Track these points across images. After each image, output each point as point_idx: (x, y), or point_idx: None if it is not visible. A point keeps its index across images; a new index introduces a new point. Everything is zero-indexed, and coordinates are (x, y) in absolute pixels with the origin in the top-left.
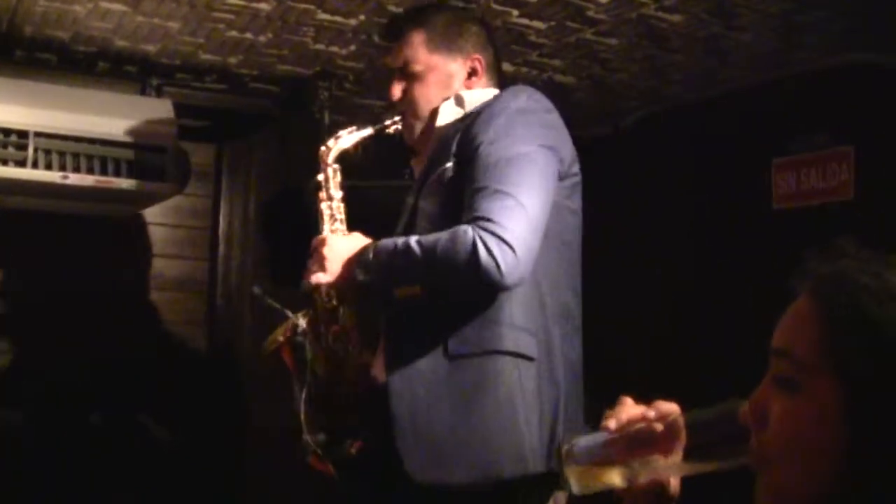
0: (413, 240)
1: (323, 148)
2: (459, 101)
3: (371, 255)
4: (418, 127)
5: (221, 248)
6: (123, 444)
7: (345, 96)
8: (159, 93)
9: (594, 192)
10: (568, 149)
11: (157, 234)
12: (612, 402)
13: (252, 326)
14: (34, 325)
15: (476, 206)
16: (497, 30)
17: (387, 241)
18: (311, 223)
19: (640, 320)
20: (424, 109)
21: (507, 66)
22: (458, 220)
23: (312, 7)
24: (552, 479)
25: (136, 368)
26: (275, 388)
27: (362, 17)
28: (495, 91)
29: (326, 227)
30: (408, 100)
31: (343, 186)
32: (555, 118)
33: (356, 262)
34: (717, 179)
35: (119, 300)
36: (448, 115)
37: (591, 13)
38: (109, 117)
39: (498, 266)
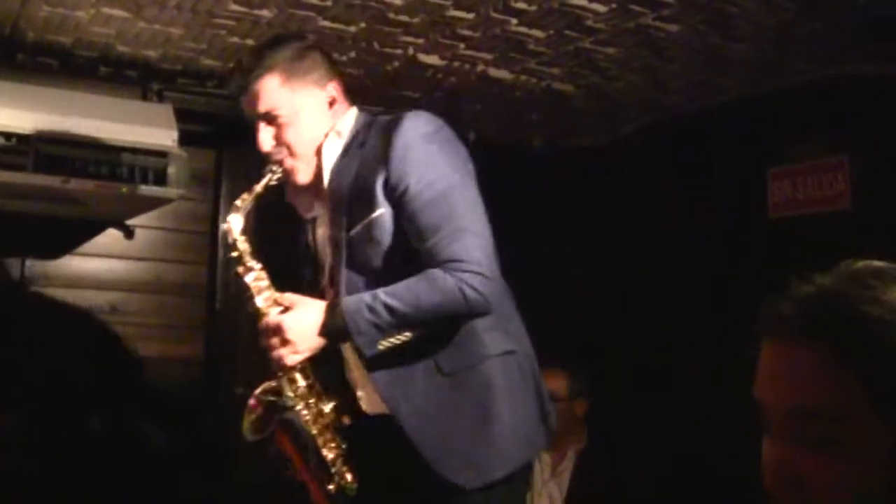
0: (384, 296)
1: (225, 226)
2: (339, 134)
3: (346, 320)
4: (302, 169)
5: (221, 253)
6: (121, 448)
7: None
8: (160, 98)
9: (591, 200)
10: (467, 155)
11: (157, 238)
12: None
13: (251, 332)
14: (32, 329)
15: (438, 252)
16: (496, 38)
17: (353, 303)
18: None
19: (636, 329)
20: (301, 150)
21: (506, 74)
22: (403, 258)
23: (313, 14)
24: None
25: (134, 372)
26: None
27: (362, 25)
28: (355, 110)
29: (259, 300)
30: (283, 145)
31: (255, 255)
32: (451, 132)
33: (325, 331)
34: (713, 188)
35: (118, 304)
36: (333, 150)
37: (589, 22)
38: (111, 122)
39: (485, 299)
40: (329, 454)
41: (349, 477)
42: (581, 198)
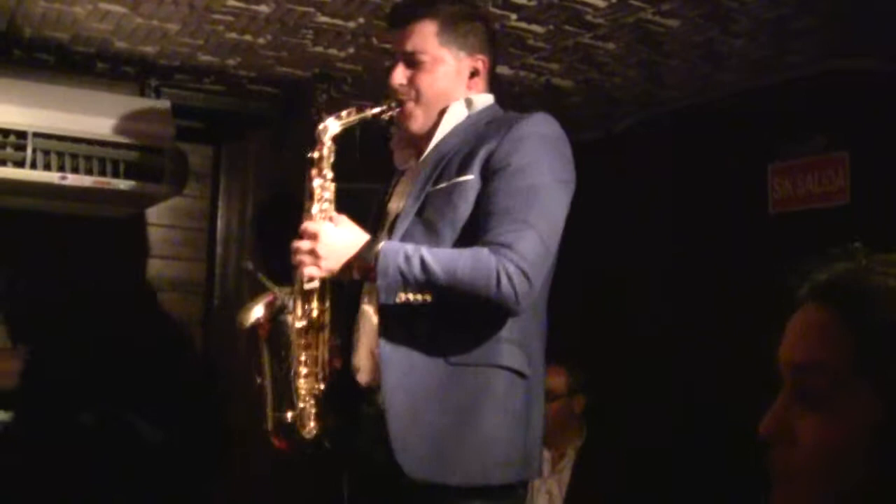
0: (426, 252)
1: (321, 125)
2: (469, 104)
3: (374, 260)
4: (419, 117)
5: (219, 249)
6: (118, 446)
7: (343, 98)
8: (158, 94)
9: (589, 196)
10: (574, 180)
11: (154, 234)
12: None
13: (249, 327)
14: (30, 325)
15: (497, 231)
16: (495, 33)
17: (393, 248)
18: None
19: (635, 325)
20: (429, 100)
21: (505, 69)
22: (464, 232)
23: (311, 9)
24: (527, 485)
25: (132, 369)
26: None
27: (361, 20)
28: (492, 98)
29: (315, 207)
30: (412, 88)
31: (335, 167)
32: (570, 150)
33: (356, 262)
34: (713, 184)
35: (116, 301)
36: (456, 115)
37: (589, 17)
38: (108, 118)
39: (516, 295)
40: (303, 388)
41: (312, 424)
42: (579, 193)
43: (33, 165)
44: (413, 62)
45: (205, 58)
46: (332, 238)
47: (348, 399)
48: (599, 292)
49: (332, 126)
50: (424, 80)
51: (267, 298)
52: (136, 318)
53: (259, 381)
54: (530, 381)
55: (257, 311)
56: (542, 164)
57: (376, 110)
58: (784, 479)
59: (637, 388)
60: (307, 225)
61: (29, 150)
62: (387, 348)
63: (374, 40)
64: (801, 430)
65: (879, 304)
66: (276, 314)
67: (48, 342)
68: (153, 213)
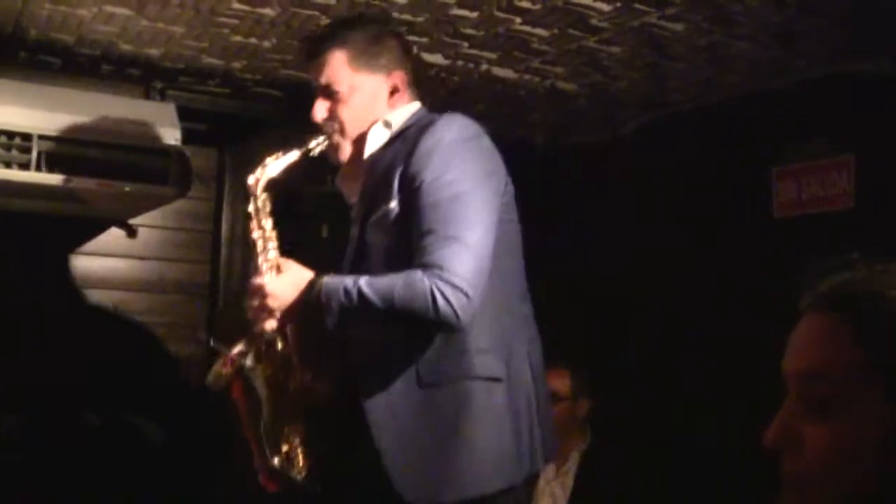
0: (364, 284)
1: (251, 179)
2: (387, 125)
3: (321, 297)
4: (345, 147)
5: (223, 252)
6: (121, 447)
7: None
8: (163, 96)
9: (593, 198)
10: (502, 169)
11: (159, 237)
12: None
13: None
14: (35, 326)
15: (426, 252)
16: (499, 37)
17: (334, 283)
18: (312, 227)
19: (639, 329)
20: (351, 130)
21: (509, 73)
22: (408, 254)
23: (316, 13)
24: (531, 483)
25: (137, 371)
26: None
27: None
28: (417, 105)
29: (260, 259)
30: (335, 120)
31: (273, 214)
32: (486, 142)
33: (303, 302)
34: (717, 188)
35: (120, 302)
36: (377, 139)
37: (593, 21)
38: (113, 121)
39: (455, 313)
40: (283, 431)
41: (301, 463)
42: (584, 196)
43: (38, 168)
44: (330, 94)
45: (210, 60)
46: (276, 288)
47: (347, 428)
48: (603, 296)
49: (262, 176)
50: (344, 111)
51: (227, 358)
52: (140, 320)
53: (244, 434)
54: (510, 382)
55: (220, 371)
56: (455, 171)
57: (304, 149)
58: (793, 486)
59: (641, 393)
60: (251, 282)
61: (34, 153)
62: (363, 383)
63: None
64: (810, 438)
65: (883, 313)
66: (241, 369)
67: (52, 342)
68: (158, 216)
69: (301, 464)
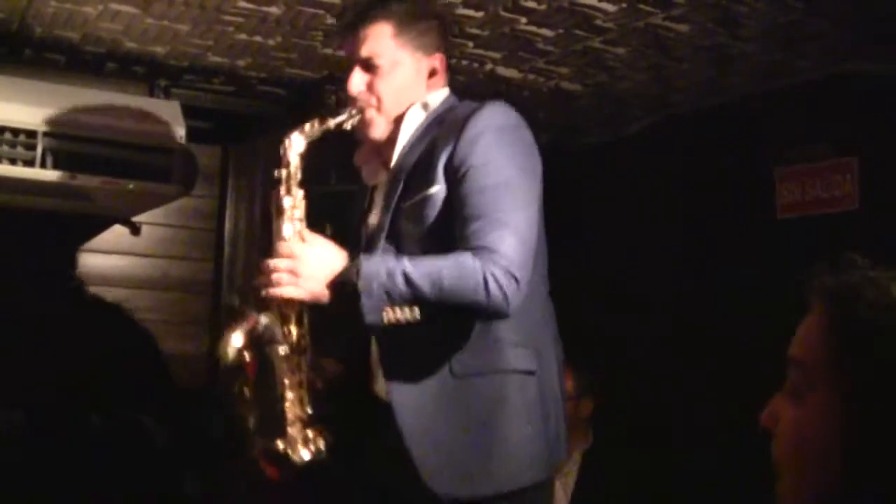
0: (409, 267)
1: (285, 142)
2: (425, 107)
3: (357, 279)
4: (380, 124)
5: (227, 250)
6: (124, 445)
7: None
8: (167, 94)
9: (597, 199)
10: (540, 164)
11: (163, 234)
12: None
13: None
14: (38, 323)
15: (476, 236)
16: (505, 36)
17: (374, 265)
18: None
19: (642, 329)
20: (389, 105)
21: (514, 73)
22: (447, 242)
23: (321, 11)
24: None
25: (139, 368)
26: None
27: None
28: (447, 90)
29: (288, 226)
30: (372, 94)
31: (303, 184)
32: (529, 134)
33: (338, 283)
34: (720, 188)
35: (124, 300)
36: (415, 121)
37: (599, 22)
38: (117, 118)
39: (507, 299)
40: (290, 412)
41: (302, 449)
42: (587, 196)
43: (43, 165)
44: (370, 67)
45: (214, 59)
46: (312, 258)
47: (364, 421)
48: (606, 296)
49: (296, 142)
50: (384, 85)
51: (247, 325)
52: (143, 318)
53: (244, 411)
54: (541, 375)
55: (237, 341)
56: (502, 158)
57: (339, 119)
58: (776, 467)
59: (642, 393)
60: (285, 245)
61: (39, 150)
62: (392, 371)
63: (349, 35)
64: (784, 416)
65: (857, 312)
66: (257, 341)
67: (54, 339)
68: (161, 213)
69: (303, 451)
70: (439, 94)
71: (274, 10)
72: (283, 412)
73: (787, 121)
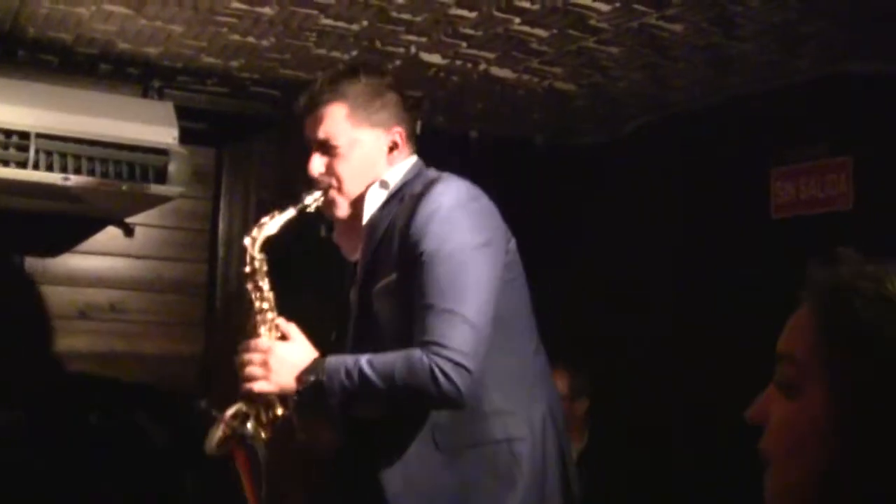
0: (365, 363)
1: (247, 239)
2: (384, 185)
3: (323, 376)
4: (343, 205)
5: (221, 251)
6: (120, 446)
7: None
8: (161, 95)
9: (592, 199)
10: (501, 231)
11: (156, 236)
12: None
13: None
14: (32, 325)
15: (425, 328)
16: (498, 37)
17: (336, 365)
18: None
19: (638, 329)
20: (350, 186)
21: (508, 73)
22: (408, 330)
23: (315, 12)
24: None
25: (133, 370)
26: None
27: (364, 23)
28: (413, 159)
29: (258, 319)
30: (331, 176)
31: (269, 275)
32: (485, 203)
33: (304, 379)
34: (715, 188)
35: (118, 301)
36: (375, 200)
37: (592, 22)
38: (111, 119)
39: (458, 390)
40: (289, 493)
41: None
42: (583, 197)
43: (36, 166)
44: (328, 148)
45: (208, 59)
46: (283, 354)
47: (356, 486)
48: (601, 295)
49: (259, 236)
50: (343, 167)
51: (223, 420)
52: (137, 319)
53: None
54: (532, 439)
55: (213, 438)
56: (452, 242)
57: (299, 206)
58: (764, 463)
59: (638, 392)
60: (258, 341)
61: (32, 151)
62: (379, 445)
63: (378, 43)
64: (773, 410)
65: (849, 307)
66: (239, 434)
67: (48, 341)
68: (155, 215)
69: None
70: (402, 166)
71: (267, 10)
72: (279, 496)
73: (783, 120)
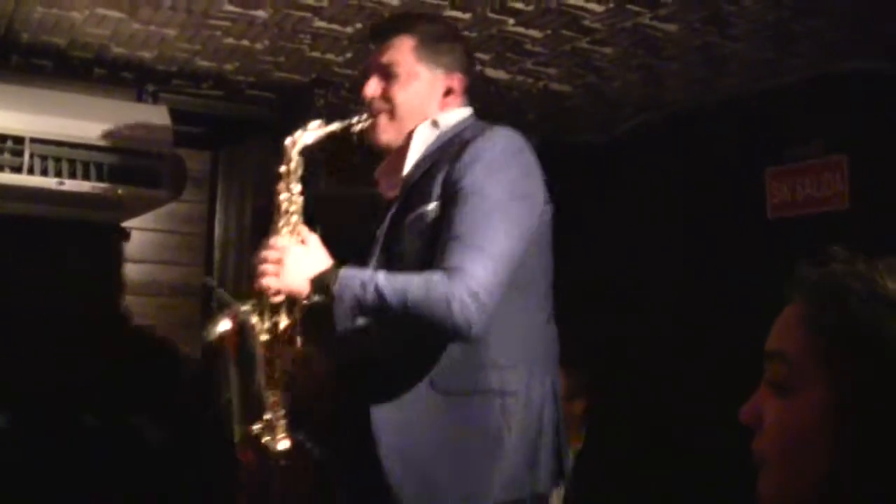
0: (381, 279)
1: (288, 139)
2: (435, 125)
3: (334, 283)
4: (390, 130)
5: (216, 254)
6: (117, 448)
7: (340, 103)
8: (155, 99)
9: (587, 199)
10: (541, 193)
11: (152, 239)
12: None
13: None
14: (29, 329)
15: (450, 257)
16: (493, 38)
17: (351, 274)
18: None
19: (635, 329)
20: (402, 114)
21: (502, 74)
22: (430, 262)
23: (308, 15)
24: (540, 499)
25: (130, 372)
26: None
27: (358, 25)
28: (468, 111)
29: (281, 220)
30: (385, 99)
31: (303, 180)
32: (531, 161)
33: (316, 283)
34: (711, 188)
35: (114, 305)
36: (424, 137)
37: (586, 22)
38: (105, 123)
39: (468, 320)
40: (269, 400)
41: (280, 435)
42: (578, 197)
43: (31, 171)
44: (388, 74)
45: (202, 63)
46: (298, 256)
47: (344, 422)
48: (598, 295)
49: (299, 139)
50: (398, 93)
51: (233, 313)
52: (134, 323)
53: (227, 394)
54: (527, 399)
55: (224, 325)
56: (494, 185)
57: (346, 122)
58: (759, 463)
59: (636, 392)
60: (277, 240)
61: (26, 156)
62: (373, 384)
63: (372, 45)
64: (767, 416)
65: (841, 305)
66: (241, 327)
67: (46, 344)
68: (151, 218)
69: (281, 437)
70: (454, 114)
71: (261, 13)
72: (260, 398)
73: (778, 120)
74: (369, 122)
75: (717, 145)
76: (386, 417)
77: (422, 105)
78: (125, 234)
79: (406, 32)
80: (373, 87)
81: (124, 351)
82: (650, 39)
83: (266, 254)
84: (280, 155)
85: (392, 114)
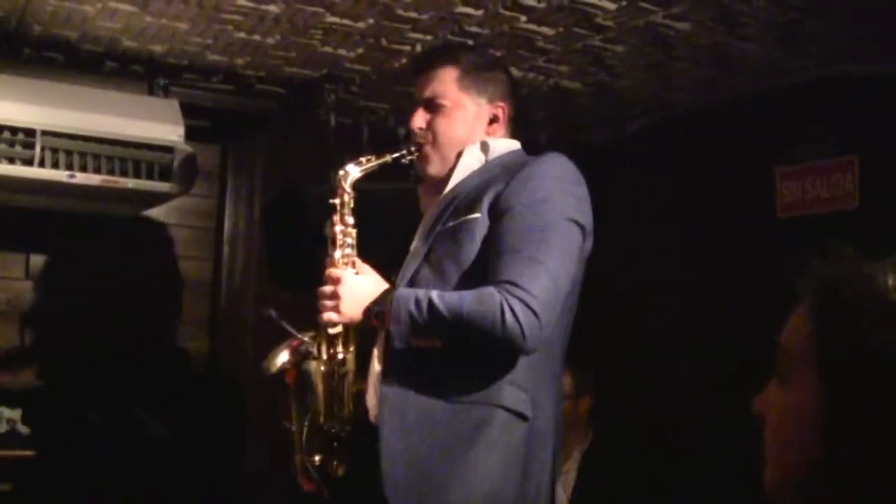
0: (435, 297)
1: (341, 172)
2: (484, 148)
3: (391, 305)
4: (436, 161)
5: (226, 249)
6: (125, 443)
7: (351, 99)
8: (166, 93)
9: (597, 198)
10: (590, 221)
11: (161, 233)
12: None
13: (254, 327)
14: (37, 323)
15: (504, 270)
16: (504, 35)
17: (406, 294)
18: (313, 223)
19: (642, 328)
20: (446, 144)
21: (513, 71)
22: (473, 273)
23: (320, 10)
24: None
25: (138, 366)
26: (275, 388)
27: (370, 21)
28: (517, 143)
29: (338, 253)
30: (430, 132)
31: (355, 212)
32: (584, 190)
33: (373, 308)
34: (721, 187)
35: (123, 299)
36: (471, 159)
37: (598, 20)
38: (116, 117)
39: (523, 333)
40: (328, 432)
41: (338, 466)
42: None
43: (42, 164)
44: (433, 107)
45: (213, 57)
46: (354, 284)
47: (367, 439)
48: (606, 295)
49: (352, 172)
50: (442, 125)
51: (291, 344)
52: (143, 317)
53: (287, 425)
54: (532, 423)
55: (283, 357)
56: (551, 203)
57: (395, 155)
58: (766, 454)
59: (642, 392)
60: (331, 271)
61: (37, 149)
62: (386, 389)
63: (383, 41)
64: (770, 402)
65: (838, 301)
66: (300, 360)
67: (55, 340)
68: (160, 212)
69: (338, 467)
70: (504, 143)
71: (273, 8)
72: (321, 431)
73: (788, 119)
74: (416, 153)
75: (726, 144)
76: (392, 423)
77: (465, 134)
78: (135, 228)
79: (449, 63)
80: (419, 120)
81: (131, 345)
82: (662, 38)
83: (323, 288)
84: (332, 187)
85: (435, 144)
